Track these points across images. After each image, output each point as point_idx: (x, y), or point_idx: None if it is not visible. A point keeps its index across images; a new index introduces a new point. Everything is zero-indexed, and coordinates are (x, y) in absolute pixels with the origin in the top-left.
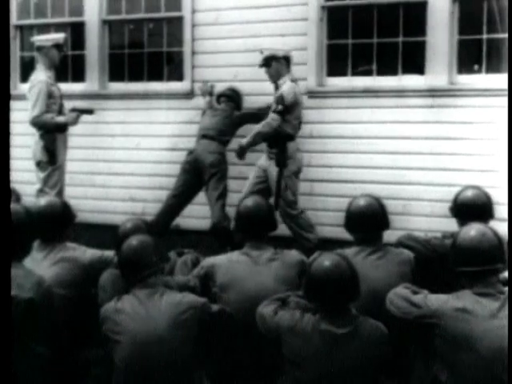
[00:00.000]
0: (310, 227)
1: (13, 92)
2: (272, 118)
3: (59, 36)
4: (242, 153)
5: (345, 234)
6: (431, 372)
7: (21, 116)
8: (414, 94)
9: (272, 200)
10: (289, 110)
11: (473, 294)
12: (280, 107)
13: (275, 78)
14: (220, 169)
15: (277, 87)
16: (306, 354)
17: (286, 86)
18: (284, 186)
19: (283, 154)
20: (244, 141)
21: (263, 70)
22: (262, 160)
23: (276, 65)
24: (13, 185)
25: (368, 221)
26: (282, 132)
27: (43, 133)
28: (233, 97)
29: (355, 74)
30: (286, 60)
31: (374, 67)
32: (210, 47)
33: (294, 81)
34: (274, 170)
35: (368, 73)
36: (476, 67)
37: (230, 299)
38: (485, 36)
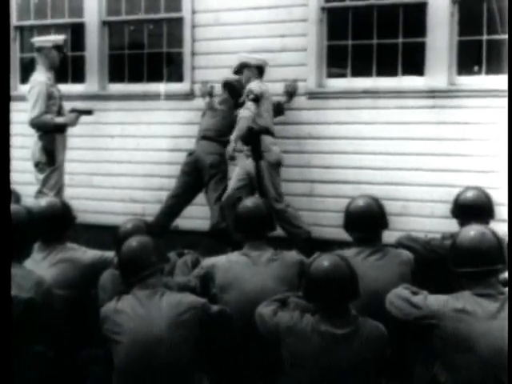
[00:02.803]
0: (298, 222)
1: (13, 93)
2: (247, 106)
3: (59, 37)
4: (233, 154)
5: (344, 235)
6: (431, 373)
7: (21, 117)
8: (414, 95)
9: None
10: (258, 100)
11: (472, 295)
12: (251, 96)
13: (246, 84)
14: (220, 170)
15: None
16: (306, 354)
17: (252, 83)
18: (264, 178)
19: (257, 148)
20: (232, 137)
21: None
22: (242, 160)
23: (247, 72)
24: (13, 186)
25: (367, 220)
26: (254, 127)
27: (42, 134)
28: (237, 88)
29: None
30: (259, 69)
31: (374, 68)
32: (209, 48)
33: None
34: (252, 167)
35: (367, 74)
36: (476, 68)
37: (229, 300)
38: (485, 37)
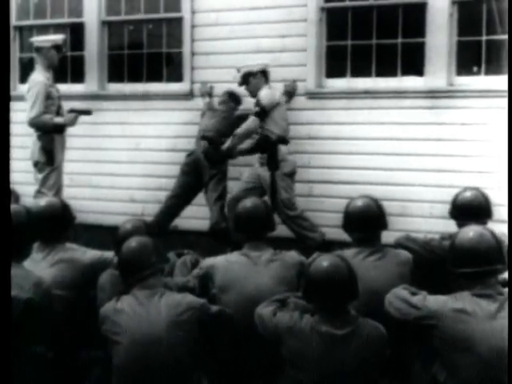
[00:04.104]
0: (313, 226)
1: (12, 93)
2: (250, 120)
3: (58, 37)
4: (226, 157)
5: (344, 236)
6: (430, 373)
7: (20, 117)
8: (413, 96)
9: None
10: (267, 110)
11: (472, 296)
12: (256, 109)
13: (254, 94)
14: (220, 170)
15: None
16: (305, 355)
17: (262, 91)
18: (278, 188)
19: (274, 157)
20: (225, 146)
21: None
22: (255, 165)
23: (254, 80)
24: (12, 185)
25: (366, 221)
26: (270, 135)
27: (41, 134)
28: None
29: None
30: (263, 74)
31: (373, 68)
32: (209, 48)
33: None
34: (266, 175)
35: (366, 74)
36: (475, 69)
37: (229, 300)
38: (484, 37)
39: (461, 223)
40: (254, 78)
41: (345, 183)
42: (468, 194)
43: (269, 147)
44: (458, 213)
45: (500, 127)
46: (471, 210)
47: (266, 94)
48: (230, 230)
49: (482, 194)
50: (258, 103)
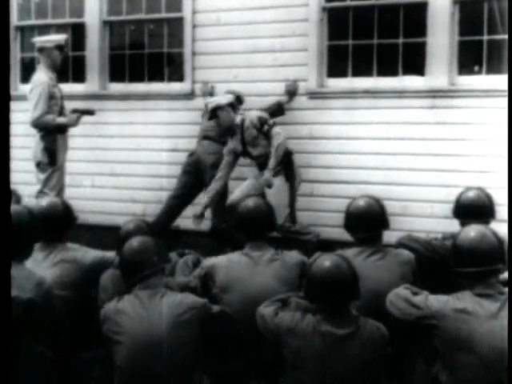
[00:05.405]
0: (302, 228)
1: (13, 93)
2: (278, 132)
3: (61, 37)
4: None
5: (345, 235)
6: (431, 373)
7: (21, 117)
8: (414, 95)
9: None
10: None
11: (473, 295)
12: (271, 122)
13: (226, 124)
14: None
15: (231, 131)
16: (307, 355)
17: (250, 115)
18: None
19: (291, 167)
20: (270, 167)
21: (263, 70)
22: (255, 173)
23: (222, 113)
24: (13, 186)
25: (367, 221)
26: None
27: (44, 134)
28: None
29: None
30: (231, 106)
31: (375, 68)
32: (210, 48)
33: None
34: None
35: (368, 74)
36: (476, 68)
37: (230, 300)
38: (485, 37)
39: (464, 222)
40: (222, 111)
41: (346, 183)
42: (471, 193)
43: (284, 158)
44: (461, 212)
45: (501, 127)
46: (474, 209)
47: (261, 114)
48: (231, 230)
49: (485, 194)
50: (265, 122)
